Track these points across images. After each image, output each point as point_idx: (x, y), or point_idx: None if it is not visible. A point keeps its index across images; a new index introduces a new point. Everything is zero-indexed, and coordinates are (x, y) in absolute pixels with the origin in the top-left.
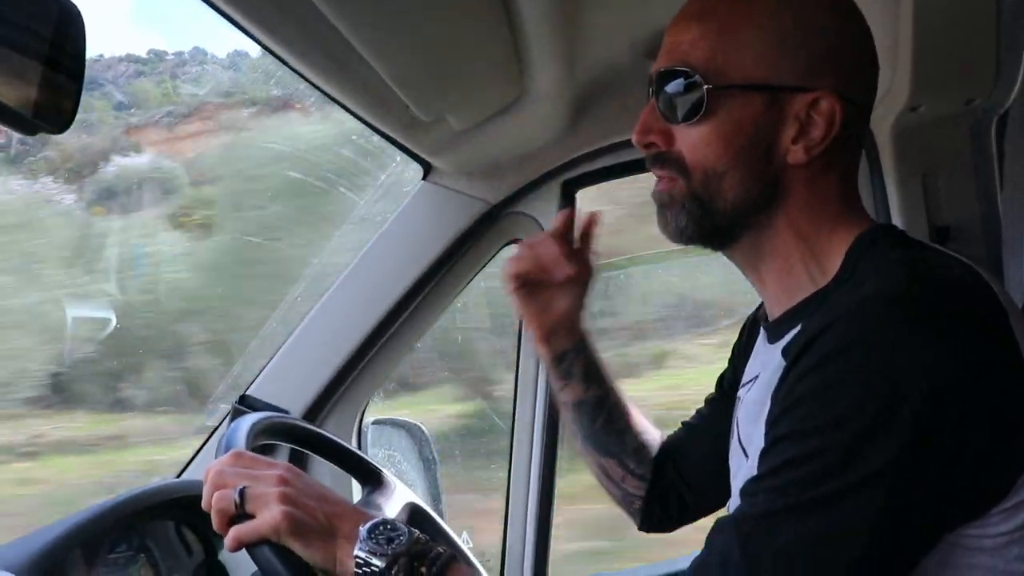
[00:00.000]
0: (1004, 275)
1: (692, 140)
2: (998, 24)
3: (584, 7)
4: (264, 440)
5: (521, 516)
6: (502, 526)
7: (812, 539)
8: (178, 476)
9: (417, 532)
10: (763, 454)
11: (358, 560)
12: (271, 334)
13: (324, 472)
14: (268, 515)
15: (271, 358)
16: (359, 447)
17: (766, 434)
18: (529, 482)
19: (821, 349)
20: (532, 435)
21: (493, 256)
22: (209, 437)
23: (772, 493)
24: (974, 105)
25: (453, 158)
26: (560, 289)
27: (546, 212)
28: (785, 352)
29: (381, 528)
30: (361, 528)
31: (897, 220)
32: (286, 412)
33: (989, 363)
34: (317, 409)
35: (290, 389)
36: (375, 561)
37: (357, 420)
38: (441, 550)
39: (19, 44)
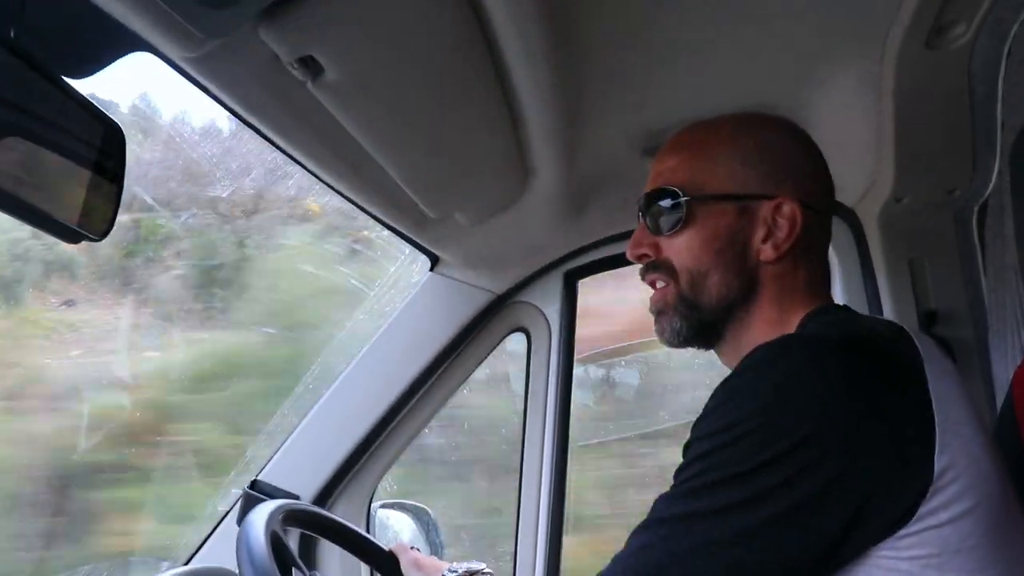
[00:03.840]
0: (989, 356)
1: (677, 247)
2: (973, 120)
3: (585, 111)
4: (280, 527)
5: (531, 543)
6: (512, 550)
7: (698, 546)
8: (186, 563)
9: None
10: (677, 471)
11: None
12: (282, 420)
13: (335, 555)
14: None
15: (282, 443)
16: (368, 531)
17: None
18: (539, 507)
19: (729, 377)
20: (542, 460)
21: (498, 343)
22: (220, 522)
23: (678, 488)
24: (955, 196)
25: (459, 251)
26: None
27: (549, 301)
28: None
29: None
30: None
31: (887, 305)
32: (297, 497)
33: (886, 394)
34: (327, 494)
35: (301, 474)
36: None
37: (366, 504)
38: None
39: (67, 159)
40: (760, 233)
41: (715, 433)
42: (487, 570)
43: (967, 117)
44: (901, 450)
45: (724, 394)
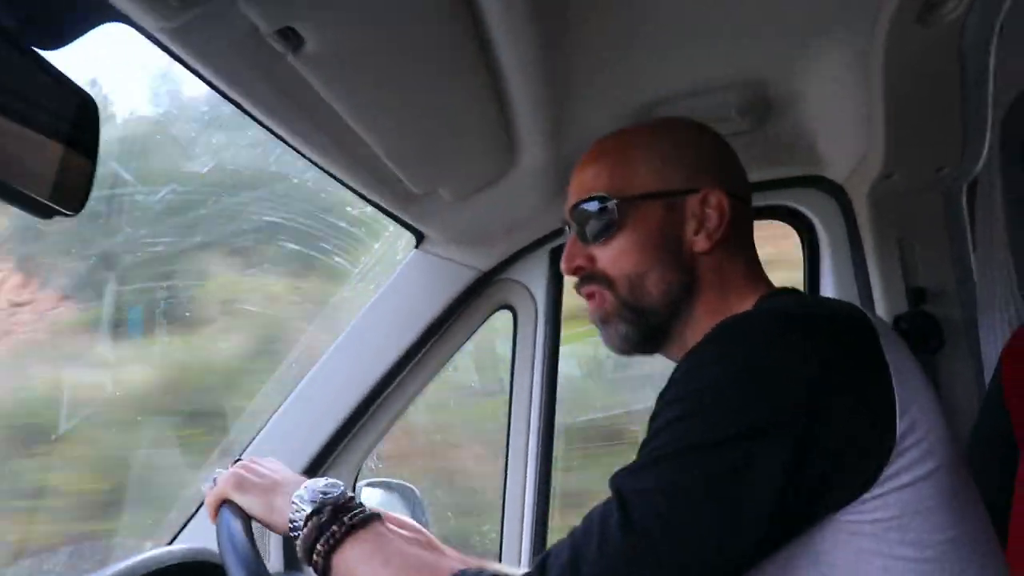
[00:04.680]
0: (978, 334)
1: (612, 254)
2: (963, 96)
3: (571, 86)
4: None
5: (517, 521)
6: (499, 526)
7: (670, 487)
8: (170, 543)
9: (352, 493)
10: (643, 443)
11: (292, 504)
12: (265, 399)
13: None
14: (221, 479)
15: (265, 423)
16: None
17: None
18: (526, 483)
19: (695, 346)
20: (528, 437)
21: (484, 321)
22: (203, 503)
23: (643, 455)
24: (944, 173)
25: (445, 227)
26: None
27: (535, 279)
28: None
29: (323, 485)
30: (306, 483)
31: (875, 283)
32: None
33: (848, 362)
34: (312, 472)
35: (285, 453)
36: (305, 506)
37: (351, 482)
38: (368, 509)
39: (39, 132)
40: (691, 226)
41: (680, 400)
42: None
43: (957, 93)
44: (865, 414)
45: (689, 363)
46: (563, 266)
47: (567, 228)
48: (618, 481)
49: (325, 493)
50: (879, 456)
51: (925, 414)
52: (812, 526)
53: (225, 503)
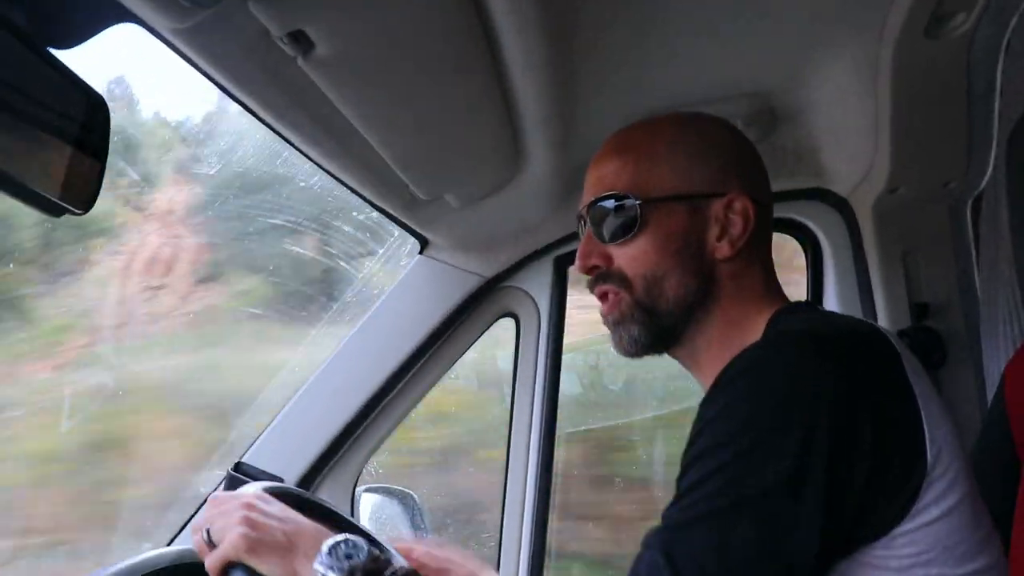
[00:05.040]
0: (982, 350)
1: (630, 254)
2: (970, 111)
3: (578, 94)
4: None
5: (516, 529)
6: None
7: (721, 545)
8: (169, 543)
9: (377, 551)
10: (678, 480)
11: (316, 573)
12: (266, 402)
13: None
14: (228, 540)
15: (267, 426)
16: (352, 515)
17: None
18: (525, 491)
19: (721, 380)
20: (528, 445)
21: (487, 328)
22: (203, 503)
23: (687, 508)
24: (950, 187)
25: (449, 234)
26: None
27: (539, 287)
28: None
29: (342, 545)
30: (323, 545)
31: (879, 297)
32: (280, 480)
33: (880, 390)
34: (311, 477)
35: (285, 457)
36: (333, 575)
37: (351, 488)
38: (399, 566)
39: (51, 130)
40: (714, 231)
41: (719, 446)
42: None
43: (964, 108)
44: (898, 444)
45: (721, 400)
46: (577, 264)
47: (581, 223)
48: (665, 542)
49: (349, 556)
50: (912, 489)
51: (949, 441)
52: (839, 563)
53: (234, 566)
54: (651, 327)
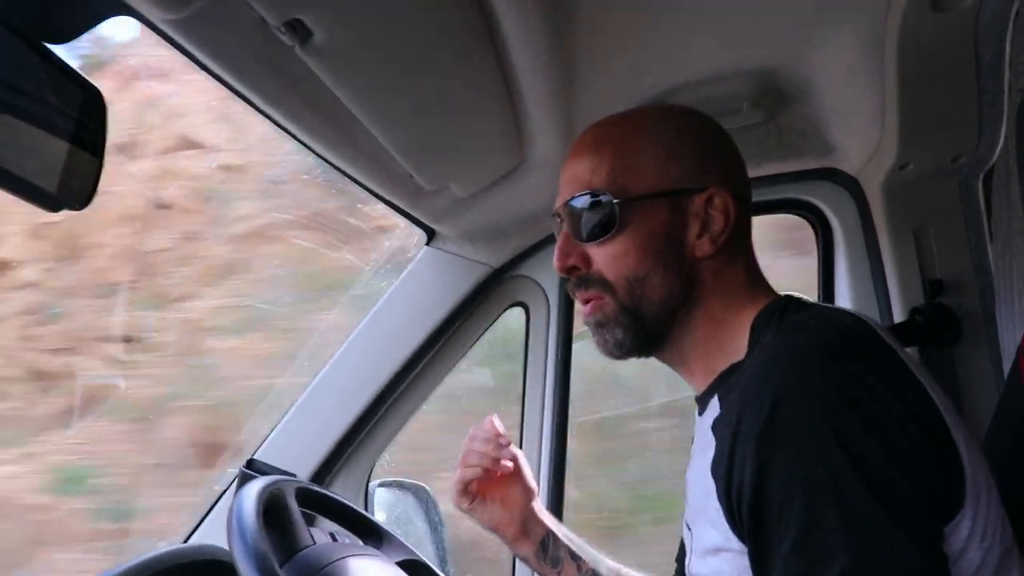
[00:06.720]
0: (997, 325)
1: (610, 255)
2: (978, 84)
3: (580, 76)
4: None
5: None
6: None
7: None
8: (185, 540)
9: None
10: (756, 537)
11: None
12: (277, 398)
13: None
14: None
15: (278, 422)
16: (366, 509)
17: (743, 515)
18: (539, 482)
19: (754, 423)
20: (541, 435)
21: (496, 318)
22: (217, 501)
23: (806, 567)
24: (960, 162)
25: (456, 224)
26: (507, 482)
27: (548, 274)
28: (714, 428)
29: None
30: None
31: (891, 275)
32: (293, 475)
33: (901, 382)
34: (324, 472)
35: (297, 452)
36: None
37: (364, 482)
38: None
39: (47, 124)
40: (694, 228)
41: (800, 463)
42: None
43: (973, 81)
44: (935, 441)
45: (795, 434)
46: (555, 264)
47: (558, 221)
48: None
49: None
50: (957, 482)
51: (963, 432)
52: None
53: None
54: (637, 331)
